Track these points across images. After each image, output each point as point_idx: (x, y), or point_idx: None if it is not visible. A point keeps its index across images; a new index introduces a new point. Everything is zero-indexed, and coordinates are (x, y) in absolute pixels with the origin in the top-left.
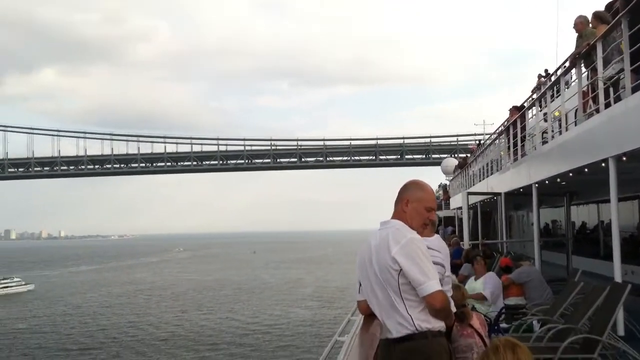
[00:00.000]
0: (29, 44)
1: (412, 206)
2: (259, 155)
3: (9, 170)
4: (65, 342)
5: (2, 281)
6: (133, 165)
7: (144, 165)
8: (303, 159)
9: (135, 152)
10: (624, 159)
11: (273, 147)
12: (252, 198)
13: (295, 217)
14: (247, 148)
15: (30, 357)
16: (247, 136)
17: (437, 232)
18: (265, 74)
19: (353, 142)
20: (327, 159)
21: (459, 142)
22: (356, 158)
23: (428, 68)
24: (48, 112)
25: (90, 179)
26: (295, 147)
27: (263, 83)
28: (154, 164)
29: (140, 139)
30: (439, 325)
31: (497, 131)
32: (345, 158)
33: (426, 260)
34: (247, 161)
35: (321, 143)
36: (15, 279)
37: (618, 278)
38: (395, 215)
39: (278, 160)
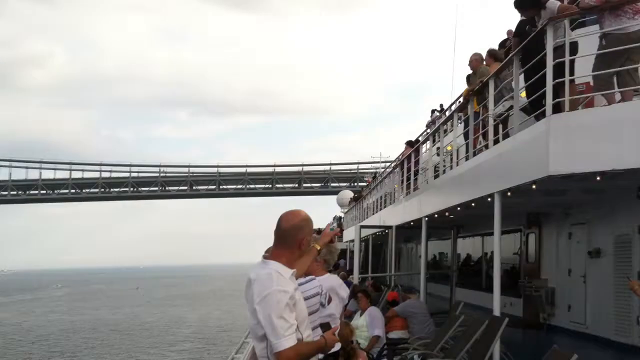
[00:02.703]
0: None
1: (305, 244)
2: (147, 183)
3: None
4: None
5: None
6: (2, 193)
7: (15, 192)
8: (194, 187)
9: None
10: (509, 194)
11: (162, 174)
12: (141, 230)
13: (186, 250)
14: (134, 175)
15: None
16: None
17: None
18: (164, 102)
19: (249, 170)
20: (221, 187)
21: (359, 171)
22: (252, 186)
23: (328, 100)
24: None
25: None
26: (187, 174)
27: (161, 112)
28: (27, 192)
29: (13, 164)
30: None
31: (392, 164)
32: (240, 186)
33: (283, 315)
34: (132, 189)
35: (215, 170)
36: None
37: (497, 311)
38: (282, 253)
39: (167, 188)
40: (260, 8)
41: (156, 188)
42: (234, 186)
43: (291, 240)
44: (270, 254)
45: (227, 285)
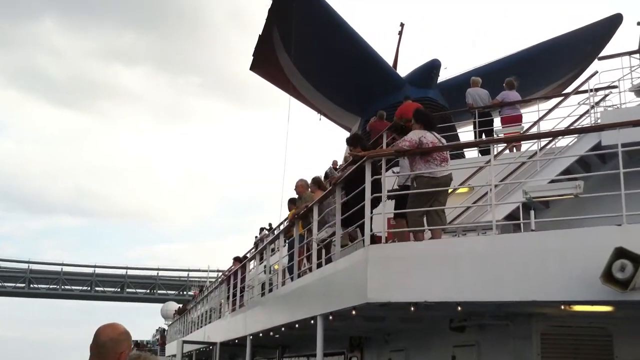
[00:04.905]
0: None
1: (124, 359)
2: None
3: None
4: None
5: None
6: None
7: None
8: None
9: None
10: (331, 317)
11: None
12: None
13: None
14: None
15: None
16: None
17: None
18: None
19: (65, 269)
20: (31, 285)
21: (189, 278)
22: (68, 288)
23: (156, 206)
24: None
25: None
26: None
27: None
28: None
29: None
30: None
31: (219, 279)
32: (53, 286)
33: None
34: None
35: (25, 266)
36: None
37: None
38: None
39: None
40: (91, 109)
41: None
42: (46, 286)
43: (111, 354)
44: None
45: None
